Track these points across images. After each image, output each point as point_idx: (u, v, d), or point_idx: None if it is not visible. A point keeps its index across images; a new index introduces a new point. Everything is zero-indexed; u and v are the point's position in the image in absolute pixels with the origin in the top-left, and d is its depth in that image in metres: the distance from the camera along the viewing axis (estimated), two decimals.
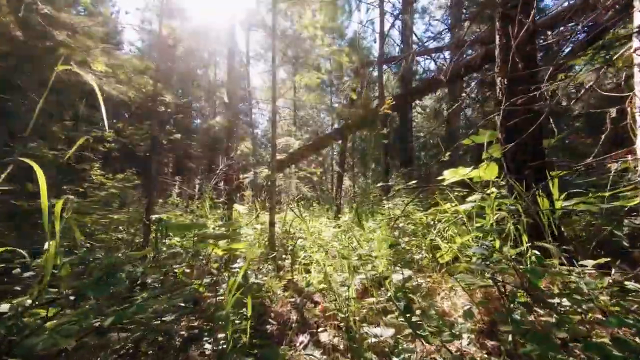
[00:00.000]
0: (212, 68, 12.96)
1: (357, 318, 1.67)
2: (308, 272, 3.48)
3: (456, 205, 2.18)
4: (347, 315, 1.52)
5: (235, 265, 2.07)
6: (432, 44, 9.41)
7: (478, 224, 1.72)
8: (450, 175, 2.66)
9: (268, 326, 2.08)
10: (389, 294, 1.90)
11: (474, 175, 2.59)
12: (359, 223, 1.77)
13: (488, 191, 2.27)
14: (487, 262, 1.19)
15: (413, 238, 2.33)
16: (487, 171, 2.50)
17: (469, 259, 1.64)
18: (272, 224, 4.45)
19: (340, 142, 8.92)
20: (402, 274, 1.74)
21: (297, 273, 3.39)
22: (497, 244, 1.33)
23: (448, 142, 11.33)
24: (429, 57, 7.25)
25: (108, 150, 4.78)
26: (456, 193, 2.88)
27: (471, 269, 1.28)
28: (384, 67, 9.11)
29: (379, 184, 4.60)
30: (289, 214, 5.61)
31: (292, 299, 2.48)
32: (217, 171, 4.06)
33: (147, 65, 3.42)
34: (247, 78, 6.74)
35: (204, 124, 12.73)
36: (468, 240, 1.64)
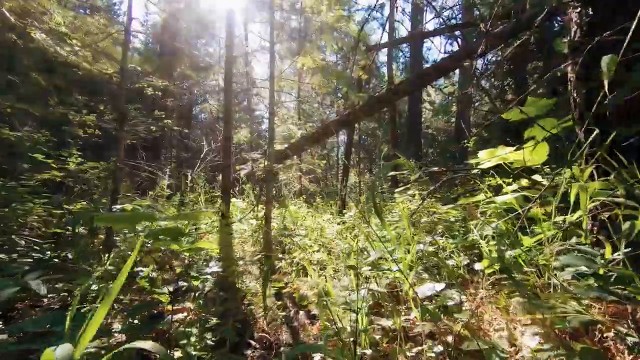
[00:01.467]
0: (208, 44, 12.51)
1: (368, 352, 1.16)
2: (307, 274, 2.98)
3: (500, 192, 1.65)
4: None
5: (208, 268, 1.57)
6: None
7: (559, 218, 1.18)
8: (486, 158, 2.11)
9: (248, 351, 1.58)
10: (412, 314, 1.38)
11: (517, 158, 2.04)
12: (377, 213, 1.23)
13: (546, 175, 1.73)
14: (606, 282, 0.66)
15: (439, 237, 1.80)
16: (536, 152, 1.96)
17: (535, 269, 1.11)
18: (268, 219, 3.94)
19: (346, 131, 8.38)
20: (435, 288, 1.22)
21: (294, 276, 2.89)
22: (609, 250, 0.81)
23: (456, 140, 10.69)
24: (448, 36, 6.62)
25: (89, 136, 4.32)
26: (489, 182, 2.34)
27: (569, 291, 0.75)
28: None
29: (390, 173, 4.07)
30: (289, 208, 5.12)
31: (284, 312, 1.97)
32: (202, 156, 3.57)
33: (117, 29, 2.90)
34: (246, 59, 6.23)
35: (196, 108, 12.16)
36: (533, 242, 1.10)
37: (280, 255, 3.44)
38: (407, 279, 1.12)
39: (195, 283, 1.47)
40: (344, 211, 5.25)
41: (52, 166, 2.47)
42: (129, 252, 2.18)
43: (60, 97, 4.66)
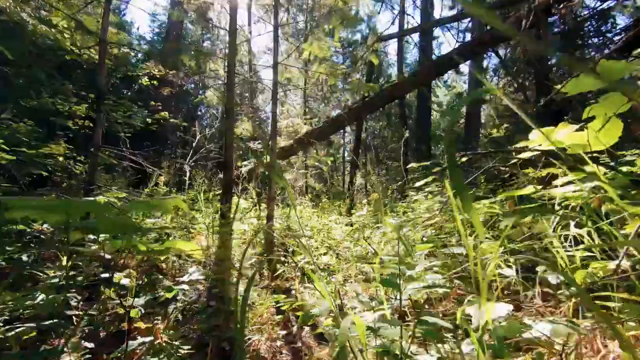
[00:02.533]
0: (214, 45, 12.31)
1: None
2: (313, 282, 2.61)
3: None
4: None
5: (186, 276, 1.21)
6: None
7: None
8: (538, 141, 1.72)
9: None
10: (467, 347, 1.00)
11: (578, 141, 1.65)
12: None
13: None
14: None
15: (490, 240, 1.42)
16: (605, 132, 1.56)
17: None
18: (270, 217, 3.58)
19: (354, 126, 8.02)
20: (506, 310, 0.85)
21: (298, 283, 2.51)
22: None
23: (465, 141, 10.26)
24: (463, 30, 6.20)
25: (79, 128, 4.01)
26: (530, 173, 1.96)
27: None
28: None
29: (411, 165, 3.70)
30: (294, 206, 4.77)
31: (286, 331, 1.61)
32: (194, 145, 3.22)
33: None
34: (248, 46, 5.90)
35: (201, 109, 11.83)
36: None
37: (282, 258, 3.08)
38: (485, 302, 0.75)
39: (168, 295, 1.11)
40: (353, 211, 4.88)
41: (3, 147, 2.14)
42: (103, 254, 1.83)
43: (51, 86, 4.37)
